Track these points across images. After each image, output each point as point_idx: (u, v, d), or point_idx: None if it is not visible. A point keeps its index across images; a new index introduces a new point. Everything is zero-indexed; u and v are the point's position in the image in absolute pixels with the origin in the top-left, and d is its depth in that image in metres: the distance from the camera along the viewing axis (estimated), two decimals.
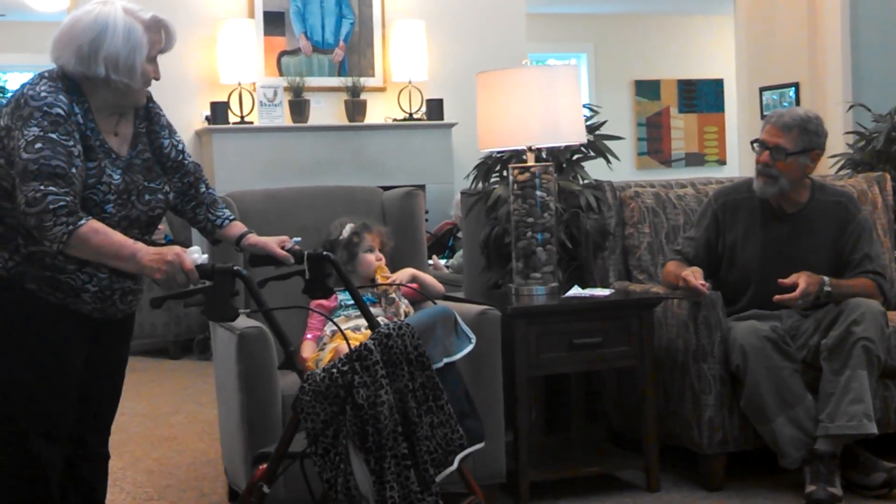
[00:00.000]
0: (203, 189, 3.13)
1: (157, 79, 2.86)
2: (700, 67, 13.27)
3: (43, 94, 2.71)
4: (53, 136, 2.66)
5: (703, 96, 13.35)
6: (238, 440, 3.55)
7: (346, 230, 3.99)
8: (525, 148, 4.14)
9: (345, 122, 8.04)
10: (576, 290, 4.10)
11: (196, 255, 2.70)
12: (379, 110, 8.17)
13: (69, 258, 2.72)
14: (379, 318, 3.87)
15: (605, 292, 4.11)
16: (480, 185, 4.73)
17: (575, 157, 4.68)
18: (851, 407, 3.77)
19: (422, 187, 7.37)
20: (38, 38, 10.26)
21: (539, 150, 4.34)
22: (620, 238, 4.57)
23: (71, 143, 2.69)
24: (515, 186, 4.11)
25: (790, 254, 4.13)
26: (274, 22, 7.99)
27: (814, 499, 3.70)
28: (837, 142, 6.80)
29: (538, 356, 3.90)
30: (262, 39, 7.93)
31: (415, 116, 8.10)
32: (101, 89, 2.79)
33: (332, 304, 3.95)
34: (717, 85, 13.29)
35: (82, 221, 2.65)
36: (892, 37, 8.04)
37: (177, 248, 2.69)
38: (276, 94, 7.79)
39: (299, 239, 3.19)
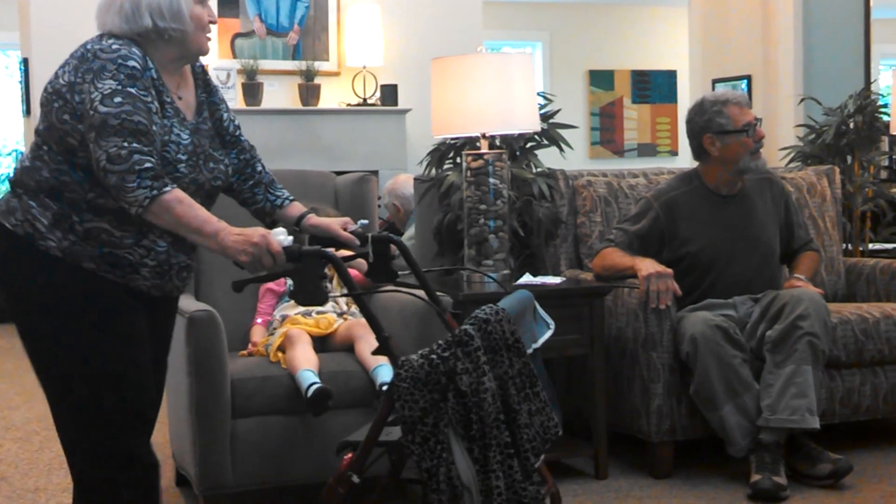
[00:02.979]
0: (260, 168, 2.98)
1: (214, 22, 2.72)
2: (654, 58, 13.33)
3: (115, 46, 2.54)
4: (132, 90, 2.50)
5: (656, 87, 13.41)
6: (186, 424, 3.53)
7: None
8: (479, 135, 4.14)
9: (298, 106, 7.98)
10: (527, 278, 4.11)
11: (282, 236, 2.58)
12: (333, 95, 8.13)
13: (126, 232, 2.57)
14: (328, 305, 3.87)
15: (557, 280, 4.12)
16: (434, 171, 4.73)
17: (528, 145, 4.69)
18: (794, 401, 3.81)
19: (375, 173, 7.35)
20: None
21: (493, 137, 4.34)
22: (572, 226, 4.59)
23: (149, 98, 2.53)
24: (469, 173, 4.11)
25: (748, 233, 4.24)
26: (228, 4, 7.92)
27: (759, 488, 3.74)
28: (788, 134, 6.89)
29: None
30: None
31: (369, 102, 8.07)
32: (160, 44, 2.63)
33: (282, 289, 3.93)
34: (671, 76, 13.36)
35: (167, 188, 2.48)
36: (844, 32, 8.12)
37: (262, 230, 2.55)
38: (229, 76, 7.72)
39: (366, 222, 3.03)
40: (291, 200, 2.99)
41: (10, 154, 12.18)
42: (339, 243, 2.88)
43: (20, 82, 8.32)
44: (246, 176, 2.95)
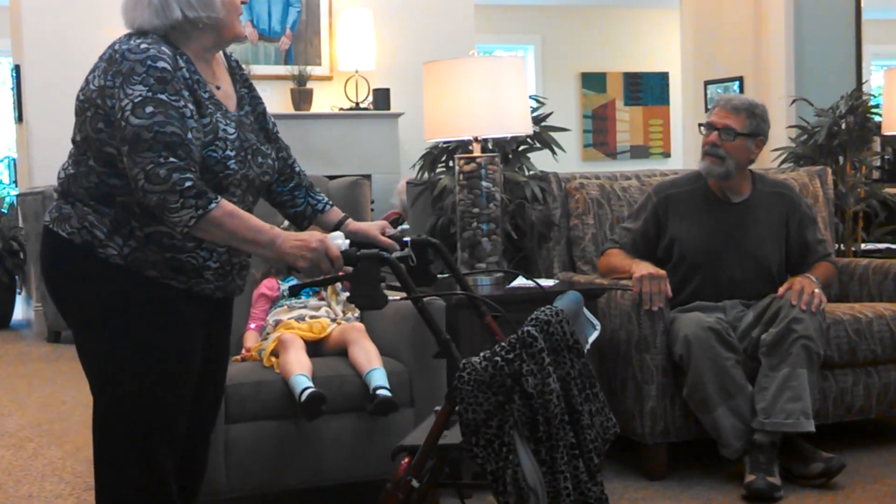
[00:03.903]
0: (298, 169, 2.90)
1: (245, 2, 2.64)
2: (646, 60, 13.36)
3: (143, 46, 2.44)
4: (163, 96, 2.40)
5: (648, 89, 13.44)
6: None
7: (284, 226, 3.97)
8: (471, 138, 4.14)
9: (291, 110, 8.00)
10: (520, 281, 4.11)
11: (339, 240, 2.55)
12: (325, 99, 8.14)
13: (187, 235, 2.48)
14: (322, 310, 3.87)
15: (550, 283, 4.12)
16: (426, 175, 4.73)
17: (521, 148, 4.70)
18: (789, 405, 3.82)
19: (368, 177, 7.36)
20: None
21: (485, 140, 4.34)
22: (565, 229, 4.59)
23: (181, 103, 2.44)
24: (461, 177, 4.11)
25: (737, 243, 4.20)
26: None
27: (753, 488, 3.74)
28: (780, 135, 6.90)
29: (482, 346, 3.89)
30: None
31: (361, 106, 8.08)
32: (193, 35, 2.56)
33: (275, 294, 3.93)
34: (663, 78, 13.39)
35: (213, 205, 2.40)
36: (835, 33, 8.14)
37: (319, 234, 2.52)
38: None
39: (407, 227, 2.99)
40: (332, 205, 2.93)
41: (2, 161, 12.16)
42: (380, 248, 2.79)
43: (12, 89, 8.32)
44: (286, 177, 2.88)
